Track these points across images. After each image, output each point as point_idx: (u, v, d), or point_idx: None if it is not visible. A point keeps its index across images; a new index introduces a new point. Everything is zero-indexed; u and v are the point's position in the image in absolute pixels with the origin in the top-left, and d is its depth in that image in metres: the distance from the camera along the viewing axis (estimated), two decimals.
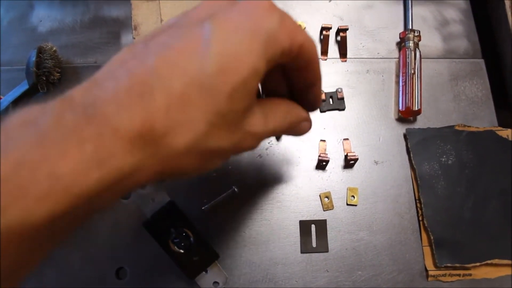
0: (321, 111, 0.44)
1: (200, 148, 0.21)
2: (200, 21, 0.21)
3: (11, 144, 0.17)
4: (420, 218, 0.40)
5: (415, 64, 0.44)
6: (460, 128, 0.43)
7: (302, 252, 0.39)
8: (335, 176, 0.42)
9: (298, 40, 0.22)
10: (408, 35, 0.45)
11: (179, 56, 0.20)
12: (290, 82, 0.27)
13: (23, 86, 0.42)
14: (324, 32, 0.45)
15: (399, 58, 0.46)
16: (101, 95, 0.19)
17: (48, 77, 0.42)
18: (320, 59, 0.46)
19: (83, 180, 0.17)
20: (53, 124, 0.18)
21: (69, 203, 0.17)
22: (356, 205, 0.41)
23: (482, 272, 0.38)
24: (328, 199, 0.40)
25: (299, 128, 0.28)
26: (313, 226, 0.40)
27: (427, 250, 0.39)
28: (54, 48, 0.43)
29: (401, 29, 0.47)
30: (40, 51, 0.42)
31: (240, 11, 0.21)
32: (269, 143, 0.42)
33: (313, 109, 0.29)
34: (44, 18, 0.47)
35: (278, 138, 0.43)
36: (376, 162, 0.42)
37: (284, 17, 0.22)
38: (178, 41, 0.20)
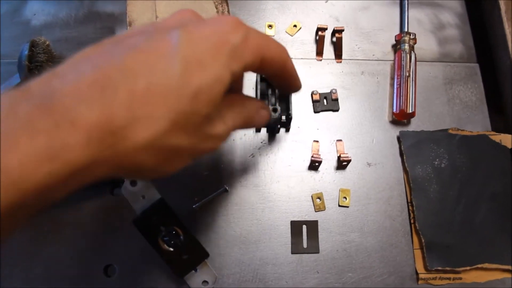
0: (315, 112, 0.44)
1: (159, 145, 0.21)
2: (169, 29, 0.22)
3: None
4: (412, 221, 0.40)
5: (410, 66, 0.44)
6: (454, 132, 0.43)
7: (292, 252, 0.39)
8: (327, 177, 0.41)
9: (260, 55, 0.24)
10: (403, 38, 0.45)
11: (147, 56, 0.21)
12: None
13: (15, 80, 0.41)
14: (319, 33, 0.45)
15: (394, 60, 0.46)
16: (60, 87, 0.19)
17: (40, 71, 0.41)
18: (315, 60, 0.46)
19: (32, 174, 0.17)
20: (5, 115, 0.18)
21: (17, 197, 0.17)
22: (348, 207, 0.40)
23: (472, 276, 0.38)
24: (320, 200, 0.40)
25: (258, 117, 0.29)
26: (304, 227, 0.39)
27: (418, 253, 0.39)
28: (47, 42, 0.43)
29: (397, 32, 0.47)
30: (33, 44, 0.41)
31: (208, 25, 0.23)
32: (261, 142, 0.42)
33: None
34: (38, 12, 0.46)
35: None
36: (369, 164, 0.42)
37: (249, 34, 0.23)
38: (147, 44, 0.21)
